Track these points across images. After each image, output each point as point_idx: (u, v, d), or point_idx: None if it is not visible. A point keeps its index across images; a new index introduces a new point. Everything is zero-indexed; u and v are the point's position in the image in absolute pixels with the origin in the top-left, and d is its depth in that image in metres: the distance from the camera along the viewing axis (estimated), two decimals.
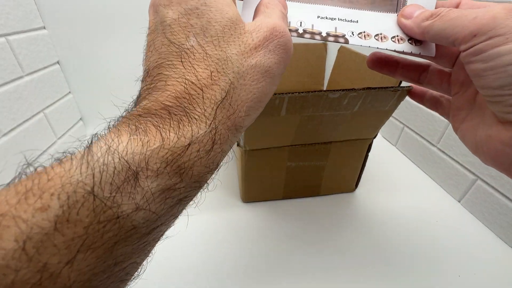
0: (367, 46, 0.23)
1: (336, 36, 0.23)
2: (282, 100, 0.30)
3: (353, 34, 0.23)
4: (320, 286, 0.32)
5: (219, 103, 0.14)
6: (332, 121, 0.35)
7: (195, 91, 0.14)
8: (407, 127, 0.57)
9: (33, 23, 0.49)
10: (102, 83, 0.60)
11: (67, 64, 0.57)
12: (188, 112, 0.13)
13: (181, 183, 0.13)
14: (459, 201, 0.45)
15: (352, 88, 0.31)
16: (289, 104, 0.31)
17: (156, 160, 0.12)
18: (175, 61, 0.15)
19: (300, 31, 0.23)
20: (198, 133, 0.13)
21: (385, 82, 0.39)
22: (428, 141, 0.51)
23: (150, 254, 0.14)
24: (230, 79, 0.15)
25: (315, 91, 0.30)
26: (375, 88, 0.31)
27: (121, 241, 0.11)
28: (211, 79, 0.14)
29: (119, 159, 0.11)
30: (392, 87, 0.31)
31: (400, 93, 0.32)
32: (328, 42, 0.57)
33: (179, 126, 0.13)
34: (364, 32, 0.23)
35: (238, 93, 0.15)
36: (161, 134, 0.12)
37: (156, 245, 0.14)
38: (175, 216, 0.14)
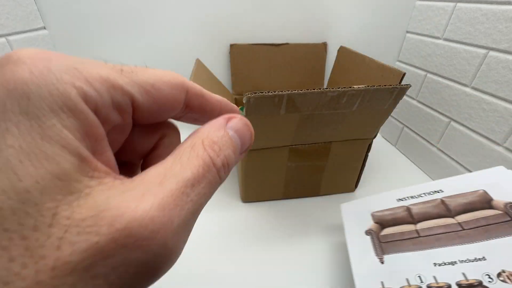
0: None
1: (471, 286, 0.19)
2: (282, 98, 0.30)
3: (492, 279, 0.19)
4: (318, 285, 0.32)
5: None
6: (331, 120, 0.35)
7: None
8: (407, 127, 0.57)
9: (34, 23, 0.49)
10: None
11: None
12: None
13: None
14: None
15: (350, 86, 0.31)
16: (288, 102, 0.31)
17: None
18: None
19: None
20: None
21: (384, 82, 0.39)
22: (427, 141, 0.51)
23: None
24: None
25: (314, 89, 0.30)
26: (373, 86, 0.31)
27: None
28: None
29: None
30: (390, 85, 0.31)
31: (398, 92, 0.32)
32: (328, 43, 0.57)
33: None
34: (504, 272, 0.19)
35: None
36: None
37: None
38: None
